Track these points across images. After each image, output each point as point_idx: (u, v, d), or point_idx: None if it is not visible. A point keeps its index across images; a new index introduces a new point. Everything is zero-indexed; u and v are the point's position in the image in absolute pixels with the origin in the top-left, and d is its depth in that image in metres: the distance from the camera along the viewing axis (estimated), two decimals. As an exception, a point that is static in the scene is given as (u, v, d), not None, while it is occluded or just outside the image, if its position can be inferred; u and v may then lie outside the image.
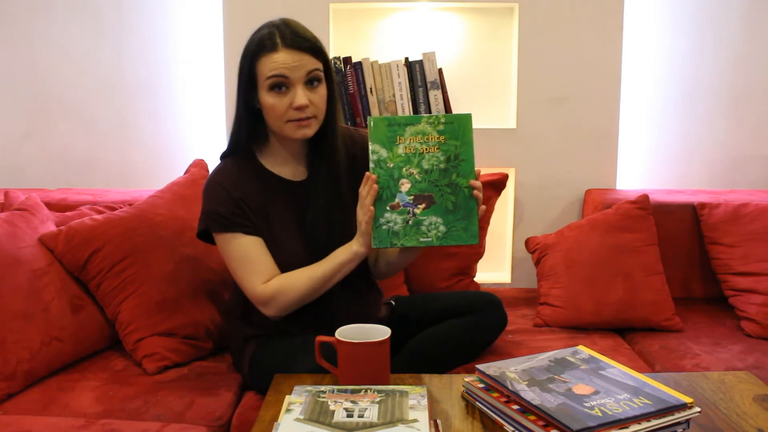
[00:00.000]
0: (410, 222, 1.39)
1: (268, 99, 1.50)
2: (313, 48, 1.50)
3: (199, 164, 2.09)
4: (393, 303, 1.79)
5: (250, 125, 1.57)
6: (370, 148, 1.38)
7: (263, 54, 1.49)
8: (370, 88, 2.31)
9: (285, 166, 1.62)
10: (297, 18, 1.60)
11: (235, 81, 1.50)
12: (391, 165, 1.38)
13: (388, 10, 2.46)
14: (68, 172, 2.54)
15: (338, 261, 1.51)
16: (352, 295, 1.64)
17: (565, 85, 2.40)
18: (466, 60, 2.49)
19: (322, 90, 1.52)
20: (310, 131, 1.52)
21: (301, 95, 1.48)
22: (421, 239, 1.40)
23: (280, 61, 1.47)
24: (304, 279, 1.52)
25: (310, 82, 1.50)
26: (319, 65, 1.51)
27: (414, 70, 2.32)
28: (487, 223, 2.29)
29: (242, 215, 1.55)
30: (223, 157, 1.64)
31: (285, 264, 1.56)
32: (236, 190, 1.55)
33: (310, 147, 1.62)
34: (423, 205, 1.39)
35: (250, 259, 1.54)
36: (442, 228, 1.40)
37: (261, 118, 1.55)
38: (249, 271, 1.54)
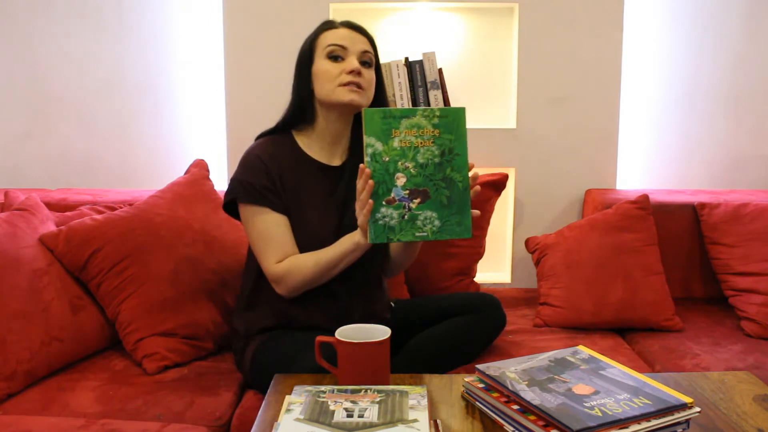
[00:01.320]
0: (406, 217, 1.39)
1: (323, 65, 1.60)
2: (369, 35, 1.64)
3: (199, 164, 2.09)
4: (392, 305, 1.80)
5: (304, 105, 1.63)
6: (365, 140, 1.37)
7: (325, 30, 1.63)
8: (370, 88, 2.31)
9: (323, 150, 1.66)
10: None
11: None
12: (387, 159, 1.37)
13: (388, 10, 2.46)
14: (68, 172, 2.54)
15: (342, 250, 1.52)
16: (365, 293, 1.67)
17: (565, 85, 2.40)
18: (466, 60, 2.49)
19: (372, 73, 1.62)
20: (358, 97, 1.58)
21: (355, 61, 1.59)
22: (417, 234, 1.40)
23: (340, 34, 1.61)
24: (310, 264, 1.55)
25: (363, 62, 1.61)
26: (372, 51, 1.63)
27: (414, 70, 2.32)
28: (487, 223, 2.29)
29: (274, 191, 1.58)
30: (260, 137, 1.69)
31: (310, 244, 1.59)
32: (274, 166, 1.60)
33: (352, 136, 1.67)
34: (418, 200, 1.39)
35: (270, 237, 1.58)
36: (437, 222, 1.40)
37: (312, 102, 1.63)
38: (267, 248, 1.58)
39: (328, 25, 1.64)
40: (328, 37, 1.61)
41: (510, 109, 2.49)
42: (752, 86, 2.58)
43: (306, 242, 1.59)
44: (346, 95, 1.57)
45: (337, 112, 1.62)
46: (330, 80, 1.58)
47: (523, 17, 2.38)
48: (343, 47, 1.59)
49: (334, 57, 1.59)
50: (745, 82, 2.58)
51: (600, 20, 2.37)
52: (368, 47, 1.62)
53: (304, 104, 1.63)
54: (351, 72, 1.57)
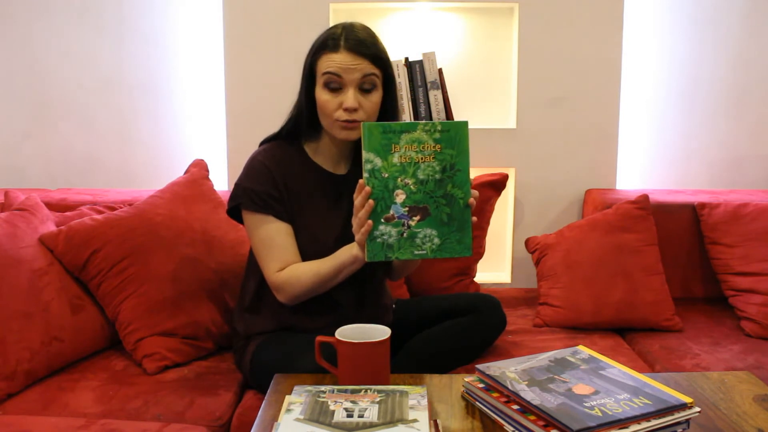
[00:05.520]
0: (405, 234, 1.36)
1: (322, 95, 1.54)
2: (374, 56, 1.53)
3: (199, 164, 2.09)
4: (393, 305, 1.80)
5: (309, 116, 1.59)
6: (364, 156, 1.34)
7: (325, 51, 1.53)
8: (370, 88, 2.31)
9: (328, 159, 1.65)
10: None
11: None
12: (386, 175, 1.34)
13: (388, 10, 2.46)
14: (68, 172, 2.54)
15: (341, 262, 1.51)
16: (368, 301, 1.67)
17: (565, 85, 2.40)
18: (466, 60, 2.49)
19: (375, 97, 1.54)
20: (353, 134, 1.54)
21: (351, 97, 1.51)
22: (416, 252, 1.37)
23: (337, 60, 1.51)
24: (310, 274, 1.54)
25: (364, 87, 1.53)
26: (376, 71, 1.53)
27: (414, 70, 2.32)
28: (487, 223, 2.29)
29: (278, 199, 1.58)
30: (266, 141, 1.67)
31: (313, 252, 1.58)
32: (280, 173, 1.59)
33: (357, 145, 1.63)
34: (418, 217, 1.36)
35: (273, 245, 1.57)
36: (436, 240, 1.37)
37: (317, 119, 1.59)
38: (269, 256, 1.57)
39: (329, 46, 1.52)
40: (326, 63, 1.51)
41: (510, 109, 2.49)
42: (752, 86, 2.58)
43: (309, 249, 1.58)
44: (340, 133, 1.55)
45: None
46: (327, 114, 1.54)
47: (523, 17, 2.38)
48: (339, 76, 1.50)
49: (331, 87, 1.52)
50: (745, 82, 2.58)
51: (600, 20, 2.37)
52: (370, 69, 1.52)
53: (310, 120, 1.60)
54: (347, 109, 1.51)
